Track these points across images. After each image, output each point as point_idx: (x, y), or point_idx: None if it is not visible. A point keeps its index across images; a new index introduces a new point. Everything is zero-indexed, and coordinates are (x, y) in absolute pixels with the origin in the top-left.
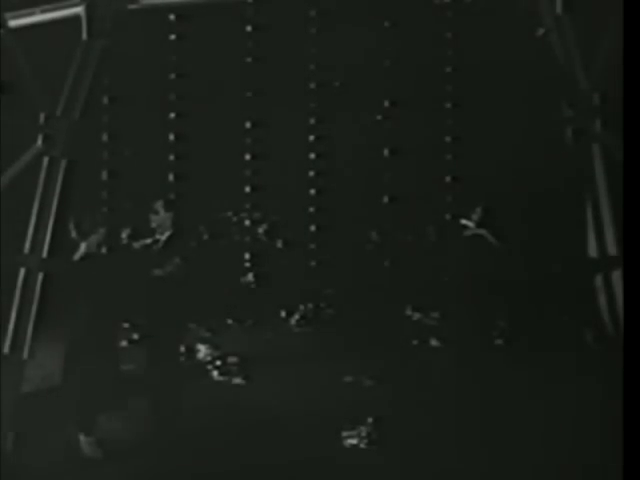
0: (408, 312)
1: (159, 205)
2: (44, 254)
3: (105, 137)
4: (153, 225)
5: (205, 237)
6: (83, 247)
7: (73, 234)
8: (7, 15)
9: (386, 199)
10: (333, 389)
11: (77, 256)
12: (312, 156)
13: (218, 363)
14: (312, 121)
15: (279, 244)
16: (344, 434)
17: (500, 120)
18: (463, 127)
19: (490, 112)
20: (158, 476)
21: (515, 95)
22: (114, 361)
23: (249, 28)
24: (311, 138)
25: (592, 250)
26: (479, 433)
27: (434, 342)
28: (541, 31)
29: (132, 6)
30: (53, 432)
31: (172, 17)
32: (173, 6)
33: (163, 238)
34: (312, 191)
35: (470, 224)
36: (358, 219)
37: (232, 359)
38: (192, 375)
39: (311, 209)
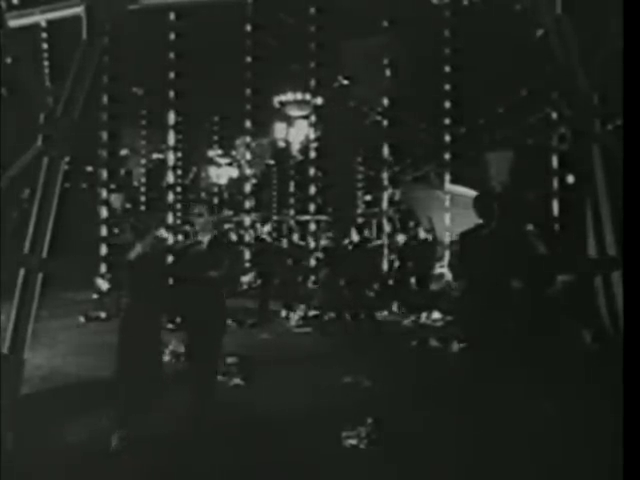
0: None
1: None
2: (44, 254)
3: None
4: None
5: None
6: (139, 247)
7: (129, 235)
8: (7, 15)
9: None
10: (333, 389)
11: (132, 255)
12: None
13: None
14: None
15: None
16: (344, 434)
17: (498, 116)
18: (462, 125)
19: (489, 109)
20: (158, 475)
21: (515, 94)
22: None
23: (249, 28)
24: None
25: (592, 250)
26: (478, 433)
27: (434, 342)
28: (540, 32)
29: (132, 6)
30: (53, 432)
31: (172, 17)
32: (173, 6)
33: (206, 240)
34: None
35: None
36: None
37: (232, 359)
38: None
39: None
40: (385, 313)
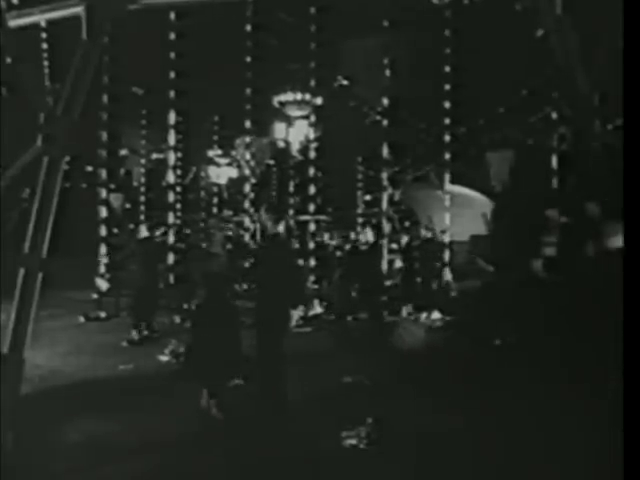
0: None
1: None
2: (44, 254)
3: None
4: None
5: None
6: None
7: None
8: (7, 15)
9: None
10: (333, 389)
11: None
12: None
13: None
14: None
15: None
16: (344, 434)
17: (498, 116)
18: (462, 125)
19: (489, 109)
20: (157, 474)
21: (515, 94)
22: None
23: (249, 28)
24: None
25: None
26: (477, 432)
27: (434, 342)
28: (540, 32)
29: (132, 6)
30: (53, 432)
31: (172, 17)
32: (173, 6)
33: None
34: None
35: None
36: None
37: None
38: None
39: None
40: (385, 313)
